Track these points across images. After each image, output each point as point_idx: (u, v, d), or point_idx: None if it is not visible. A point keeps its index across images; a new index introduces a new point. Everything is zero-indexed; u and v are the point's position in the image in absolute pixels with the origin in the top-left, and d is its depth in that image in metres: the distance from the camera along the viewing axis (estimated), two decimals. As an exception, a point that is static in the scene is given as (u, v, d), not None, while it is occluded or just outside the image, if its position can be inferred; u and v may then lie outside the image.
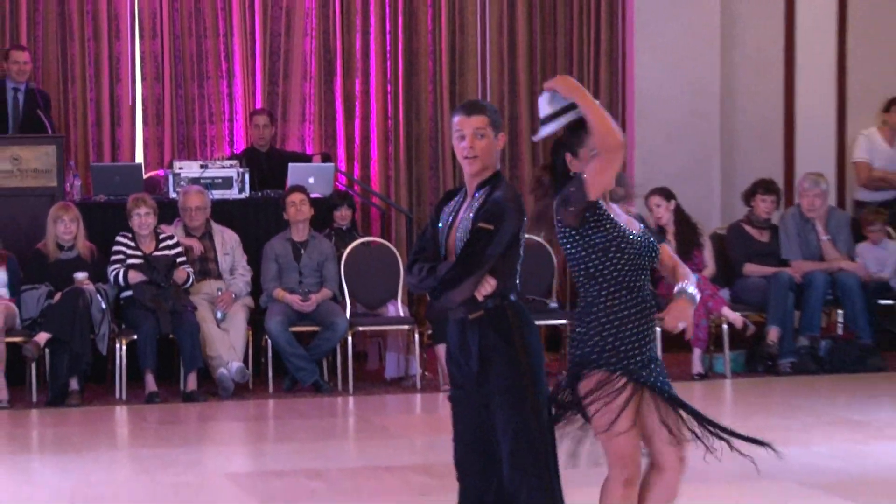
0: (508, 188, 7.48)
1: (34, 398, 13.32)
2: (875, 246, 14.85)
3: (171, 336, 13.55)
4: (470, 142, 7.33)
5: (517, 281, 7.44)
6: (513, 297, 7.39)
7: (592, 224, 7.32)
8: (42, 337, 13.18)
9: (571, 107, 7.47)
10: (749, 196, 14.81)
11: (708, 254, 14.40)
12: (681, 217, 14.46)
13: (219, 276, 14.29)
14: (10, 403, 13.15)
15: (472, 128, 7.38)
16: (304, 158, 15.37)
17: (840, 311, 14.60)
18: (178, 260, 13.97)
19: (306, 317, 14.03)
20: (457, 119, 7.42)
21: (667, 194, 14.41)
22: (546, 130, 7.55)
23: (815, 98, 16.10)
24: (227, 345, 13.77)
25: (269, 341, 13.99)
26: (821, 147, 16.08)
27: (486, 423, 7.33)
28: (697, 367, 14.04)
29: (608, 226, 7.28)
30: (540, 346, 7.52)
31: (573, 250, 7.33)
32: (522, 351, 7.35)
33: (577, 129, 7.54)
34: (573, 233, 7.27)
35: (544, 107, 7.65)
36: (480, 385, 7.36)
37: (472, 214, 7.37)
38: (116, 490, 10.53)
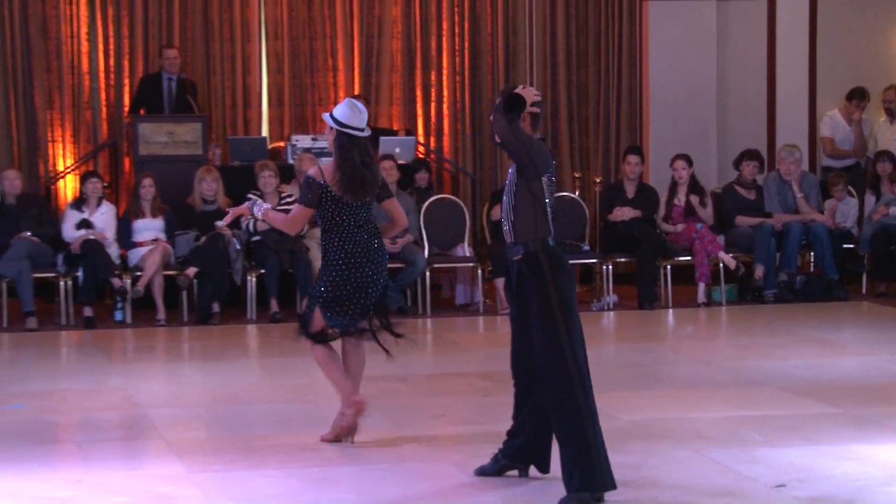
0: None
1: (185, 318, 13.43)
2: (839, 202, 14.83)
3: (289, 270, 13.59)
4: None
5: (551, 228, 7.23)
6: (550, 242, 7.22)
7: None
8: (191, 271, 13.34)
9: None
10: (738, 162, 14.81)
11: (710, 209, 14.40)
12: (693, 178, 14.45)
13: None
14: (166, 322, 13.31)
15: None
16: (392, 133, 15.31)
17: (812, 253, 14.56)
18: None
19: (394, 256, 13.77)
20: None
21: (688, 160, 14.46)
22: None
23: (790, 85, 16.02)
24: None
25: None
26: (795, 123, 16.01)
27: (529, 343, 7.26)
28: (701, 297, 14.06)
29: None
30: (570, 282, 7.40)
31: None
32: (553, 287, 7.18)
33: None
34: None
35: None
36: (520, 313, 7.34)
37: None
38: (248, 389, 10.66)
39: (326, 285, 8.60)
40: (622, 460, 7.41)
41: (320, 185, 8.35)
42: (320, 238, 8.74)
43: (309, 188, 8.49)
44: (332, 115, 8.53)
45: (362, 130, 8.45)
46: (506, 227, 7.40)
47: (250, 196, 11.88)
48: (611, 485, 7.12)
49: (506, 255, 7.54)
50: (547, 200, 7.35)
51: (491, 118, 7.42)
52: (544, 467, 7.53)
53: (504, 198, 7.44)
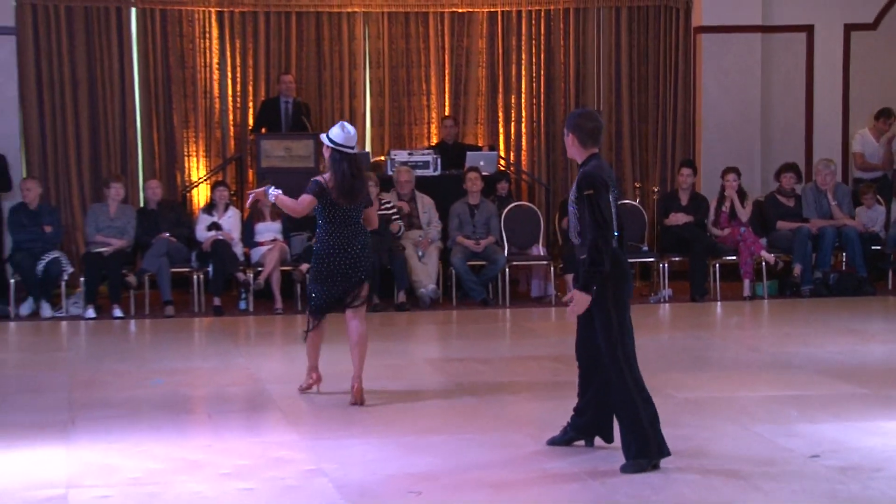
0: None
1: (298, 307, 13.32)
2: (868, 209, 14.64)
3: (388, 267, 13.51)
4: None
5: (614, 233, 7.10)
6: (613, 244, 7.13)
7: None
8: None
9: None
10: (778, 174, 14.68)
11: (748, 210, 14.33)
12: (741, 189, 14.36)
13: (420, 227, 14.06)
14: (283, 311, 13.36)
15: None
16: (477, 149, 15.21)
17: (844, 254, 14.40)
18: (393, 216, 13.82)
19: (478, 255, 14.02)
20: None
21: (737, 172, 14.38)
22: None
23: (826, 107, 15.83)
24: (426, 273, 13.83)
25: (454, 271, 13.93)
26: (830, 140, 15.83)
27: (592, 331, 7.24)
28: (746, 291, 13.91)
29: None
30: (626, 279, 7.31)
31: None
32: (610, 284, 7.12)
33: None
34: None
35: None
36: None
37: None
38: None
39: (312, 265, 9.40)
40: (677, 433, 7.39)
41: (323, 186, 8.93)
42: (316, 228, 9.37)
43: (317, 185, 9.04)
44: (328, 136, 9.16)
45: (351, 148, 9.02)
46: (572, 231, 7.38)
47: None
48: (665, 452, 7.10)
49: (575, 255, 7.51)
50: (613, 209, 7.27)
51: (566, 138, 7.37)
52: (609, 438, 7.47)
53: (570, 207, 7.35)
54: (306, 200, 9.13)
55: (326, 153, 9.16)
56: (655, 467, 7.05)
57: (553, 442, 7.72)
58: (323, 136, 9.29)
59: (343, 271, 9.15)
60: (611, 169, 7.43)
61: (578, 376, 7.66)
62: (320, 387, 9.45)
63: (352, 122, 15.30)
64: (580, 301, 7.18)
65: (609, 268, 7.12)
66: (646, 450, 7.04)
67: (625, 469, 7.08)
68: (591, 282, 7.14)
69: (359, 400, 9.13)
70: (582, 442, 7.57)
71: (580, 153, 7.25)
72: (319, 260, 9.21)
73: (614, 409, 7.29)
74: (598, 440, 7.64)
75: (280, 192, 9.28)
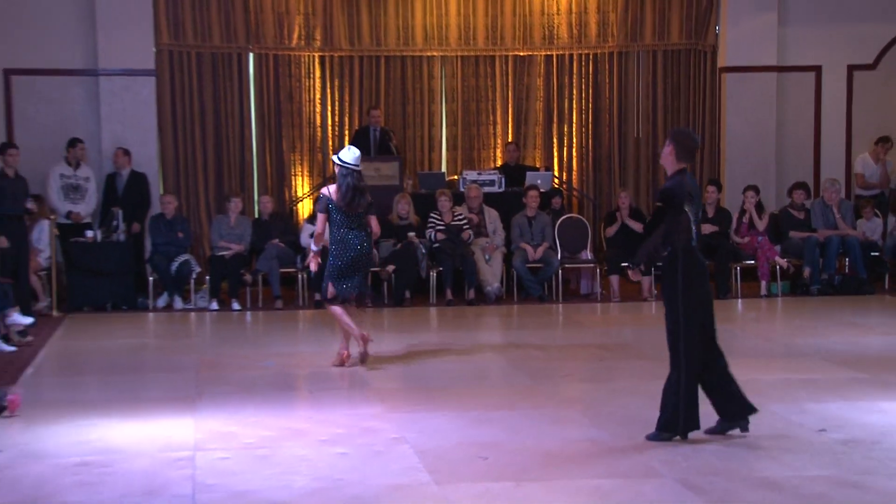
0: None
1: (385, 301, 13.48)
2: (868, 221, 14.51)
3: (460, 268, 13.51)
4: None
5: (691, 236, 7.00)
6: (693, 244, 7.02)
7: None
8: (390, 267, 13.37)
9: None
10: (790, 191, 14.55)
11: (765, 220, 14.27)
12: (759, 203, 14.32)
13: (486, 235, 13.99)
14: (372, 304, 13.11)
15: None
16: (535, 169, 15.16)
17: (847, 259, 14.28)
18: (464, 226, 13.80)
19: (536, 260, 13.92)
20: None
21: (756, 189, 14.35)
22: None
23: (832, 134, 15.64)
24: (491, 273, 13.81)
25: (515, 272, 13.90)
26: (835, 163, 15.66)
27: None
28: (763, 290, 13.88)
29: None
30: (701, 280, 7.19)
31: None
32: (681, 282, 7.02)
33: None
34: None
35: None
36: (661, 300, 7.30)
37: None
38: (430, 352, 10.62)
39: (329, 265, 9.74)
40: (703, 410, 7.27)
41: (327, 199, 9.55)
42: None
43: (319, 202, 9.81)
44: (338, 157, 9.67)
45: (356, 166, 9.55)
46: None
47: (432, 214, 11.97)
48: (694, 426, 7.03)
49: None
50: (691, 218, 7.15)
51: (665, 148, 7.25)
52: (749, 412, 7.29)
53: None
54: (321, 218, 9.74)
55: (337, 170, 9.63)
56: (685, 438, 7.01)
57: (711, 430, 7.34)
58: (334, 157, 9.89)
59: (349, 267, 9.69)
60: (694, 183, 7.28)
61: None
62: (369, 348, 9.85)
63: (429, 148, 15.64)
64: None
65: (680, 261, 7.03)
66: (671, 425, 7.02)
67: (649, 437, 7.09)
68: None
69: (365, 356, 9.73)
70: (737, 430, 7.31)
71: (672, 165, 7.14)
72: (335, 255, 9.69)
73: (665, 386, 7.18)
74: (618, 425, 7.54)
75: (314, 246, 9.95)
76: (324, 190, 9.95)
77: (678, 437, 7.12)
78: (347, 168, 9.51)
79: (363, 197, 9.57)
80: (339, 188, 9.54)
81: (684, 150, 7.11)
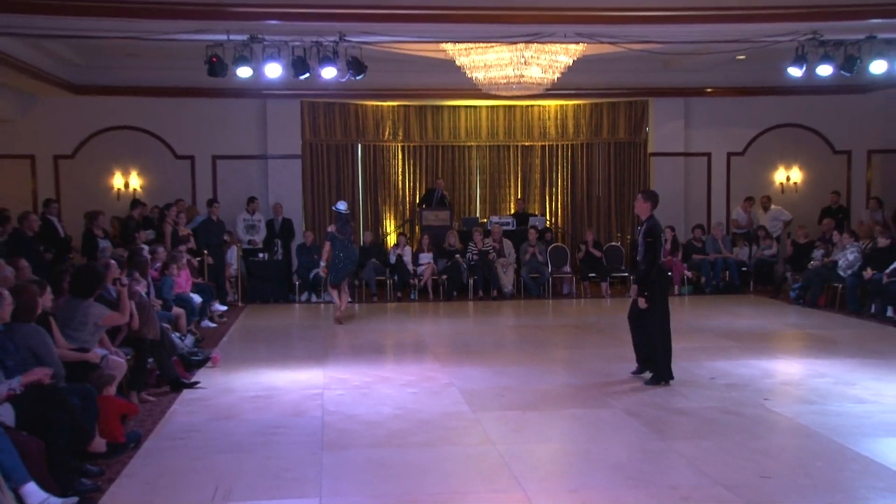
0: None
1: (441, 297, 13.17)
2: (740, 249, 14.17)
3: (487, 277, 13.32)
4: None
5: (659, 259, 6.85)
6: (660, 261, 6.88)
7: None
8: (444, 277, 12.89)
9: None
10: (693, 230, 14.24)
11: (679, 249, 13.83)
12: (674, 238, 14.04)
13: (504, 256, 13.46)
14: (432, 299, 13.03)
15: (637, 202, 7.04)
16: (534, 216, 14.71)
17: (727, 272, 13.94)
18: (490, 251, 13.37)
19: (534, 270, 13.48)
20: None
21: (672, 228, 13.96)
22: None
23: (718, 195, 15.11)
24: (507, 279, 13.50)
25: (522, 279, 13.51)
26: (720, 212, 15.17)
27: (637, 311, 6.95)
28: (676, 291, 13.47)
29: None
30: (665, 284, 6.93)
31: None
32: (657, 286, 6.85)
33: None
34: None
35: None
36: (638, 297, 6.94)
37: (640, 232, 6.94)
38: (470, 329, 10.38)
39: (331, 269, 10.70)
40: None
41: (331, 233, 10.64)
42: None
43: (329, 236, 10.71)
44: (336, 206, 10.73)
45: (345, 211, 10.65)
46: (640, 254, 7.00)
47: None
48: (670, 377, 6.98)
49: (638, 268, 7.07)
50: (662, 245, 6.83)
51: (640, 202, 6.85)
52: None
53: (639, 240, 6.95)
54: (327, 246, 10.67)
55: (336, 213, 10.64)
56: (667, 384, 6.98)
57: (634, 373, 7.17)
58: (334, 207, 10.91)
59: (341, 268, 10.55)
60: (660, 223, 6.99)
61: (633, 337, 7.18)
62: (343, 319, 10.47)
63: (468, 202, 15.37)
64: (637, 291, 6.88)
65: (656, 276, 6.83)
66: (660, 375, 6.98)
67: (648, 383, 6.98)
68: (645, 282, 6.87)
69: (341, 319, 10.64)
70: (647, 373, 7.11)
71: (646, 212, 6.90)
72: (333, 263, 10.52)
73: (651, 352, 7.01)
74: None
75: (323, 261, 10.98)
76: (329, 228, 10.95)
77: (664, 383, 7.06)
78: (339, 212, 10.62)
79: (348, 226, 10.66)
80: (336, 225, 10.60)
81: (654, 202, 7.04)
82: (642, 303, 6.88)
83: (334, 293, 10.97)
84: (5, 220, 9.59)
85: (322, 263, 11.08)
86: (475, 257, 13.56)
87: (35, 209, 12.19)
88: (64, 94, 13.16)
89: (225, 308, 11.57)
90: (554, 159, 15.62)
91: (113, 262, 7.32)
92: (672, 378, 7.13)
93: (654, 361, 7.02)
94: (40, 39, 10.33)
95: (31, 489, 3.81)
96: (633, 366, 7.41)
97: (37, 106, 13.53)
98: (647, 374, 7.21)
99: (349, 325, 10.96)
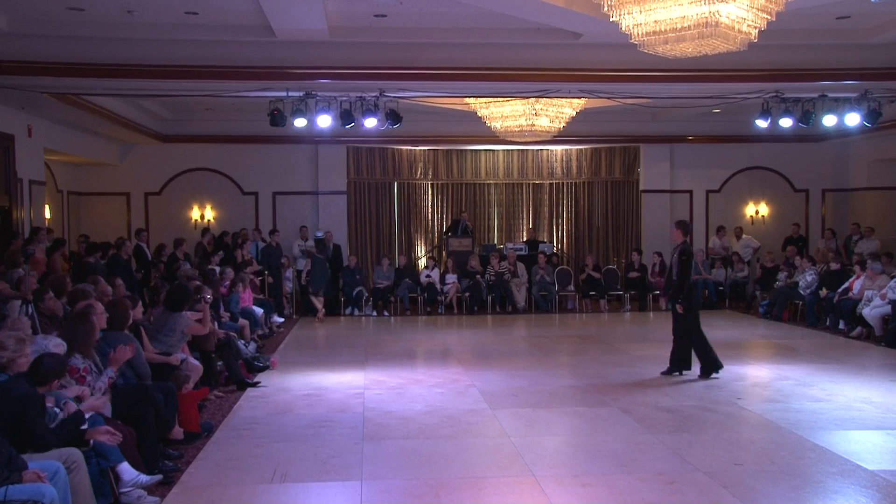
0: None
1: (464, 310, 13.02)
2: (717, 270, 13.97)
3: (503, 295, 13.17)
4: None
5: (691, 273, 6.86)
6: (692, 280, 6.89)
7: None
8: (467, 294, 12.65)
9: None
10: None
11: (665, 271, 13.47)
12: (662, 261, 13.58)
13: (518, 277, 13.33)
14: (456, 313, 12.85)
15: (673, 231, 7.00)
16: (544, 243, 14.51)
17: (706, 290, 13.57)
18: (506, 273, 13.17)
19: (543, 288, 13.35)
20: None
21: (659, 253, 13.77)
22: None
23: (698, 227, 14.98)
24: (521, 296, 13.23)
25: (533, 296, 13.29)
26: (700, 241, 14.97)
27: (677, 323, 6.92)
28: (663, 307, 13.16)
29: None
30: (697, 299, 6.90)
31: None
32: (691, 301, 6.86)
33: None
34: None
35: None
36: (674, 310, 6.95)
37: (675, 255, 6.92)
38: (488, 340, 10.19)
39: (312, 279, 11.52)
40: (632, 369, 7.39)
41: (312, 253, 11.53)
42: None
43: (311, 256, 11.67)
44: (315, 234, 11.92)
45: (322, 237, 11.73)
46: (674, 272, 6.99)
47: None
48: (720, 367, 6.90)
49: (672, 286, 7.01)
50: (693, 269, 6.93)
51: (675, 231, 6.82)
52: (689, 367, 7.19)
53: (673, 259, 6.94)
54: (308, 263, 11.54)
55: (316, 238, 11.75)
56: (717, 374, 6.96)
57: (663, 373, 7.11)
58: (314, 234, 11.59)
59: (318, 280, 11.30)
60: (691, 247, 7.00)
61: (673, 341, 7.22)
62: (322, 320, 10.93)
63: (488, 230, 15.12)
64: (680, 308, 6.82)
65: (687, 293, 6.82)
66: (708, 369, 6.97)
67: (700, 376, 6.95)
68: (677, 298, 6.86)
69: (320, 320, 11.27)
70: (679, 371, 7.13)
71: (680, 238, 7.02)
72: (313, 275, 11.27)
73: (696, 353, 6.93)
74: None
75: (303, 281, 12.06)
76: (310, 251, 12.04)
77: (714, 375, 6.90)
78: (318, 237, 11.34)
79: (326, 249, 11.15)
80: (315, 247, 11.43)
81: (686, 230, 7.05)
82: (680, 308, 6.86)
83: (314, 299, 11.78)
84: (106, 247, 10.01)
85: (304, 276, 12.29)
86: (493, 278, 13.46)
87: (129, 237, 12.53)
88: (153, 142, 13.70)
89: (282, 320, 11.59)
90: (560, 195, 15.55)
91: (207, 287, 7.31)
92: (721, 367, 7.03)
93: (701, 360, 6.98)
94: (136, 98, 11.01)
95: (125, 468, 3.94)
96: (629, 371, 7.41)
97: (132, 152, 14.09)
98: (678, 374, 7.13)
99: (383, 334, 10.82)
